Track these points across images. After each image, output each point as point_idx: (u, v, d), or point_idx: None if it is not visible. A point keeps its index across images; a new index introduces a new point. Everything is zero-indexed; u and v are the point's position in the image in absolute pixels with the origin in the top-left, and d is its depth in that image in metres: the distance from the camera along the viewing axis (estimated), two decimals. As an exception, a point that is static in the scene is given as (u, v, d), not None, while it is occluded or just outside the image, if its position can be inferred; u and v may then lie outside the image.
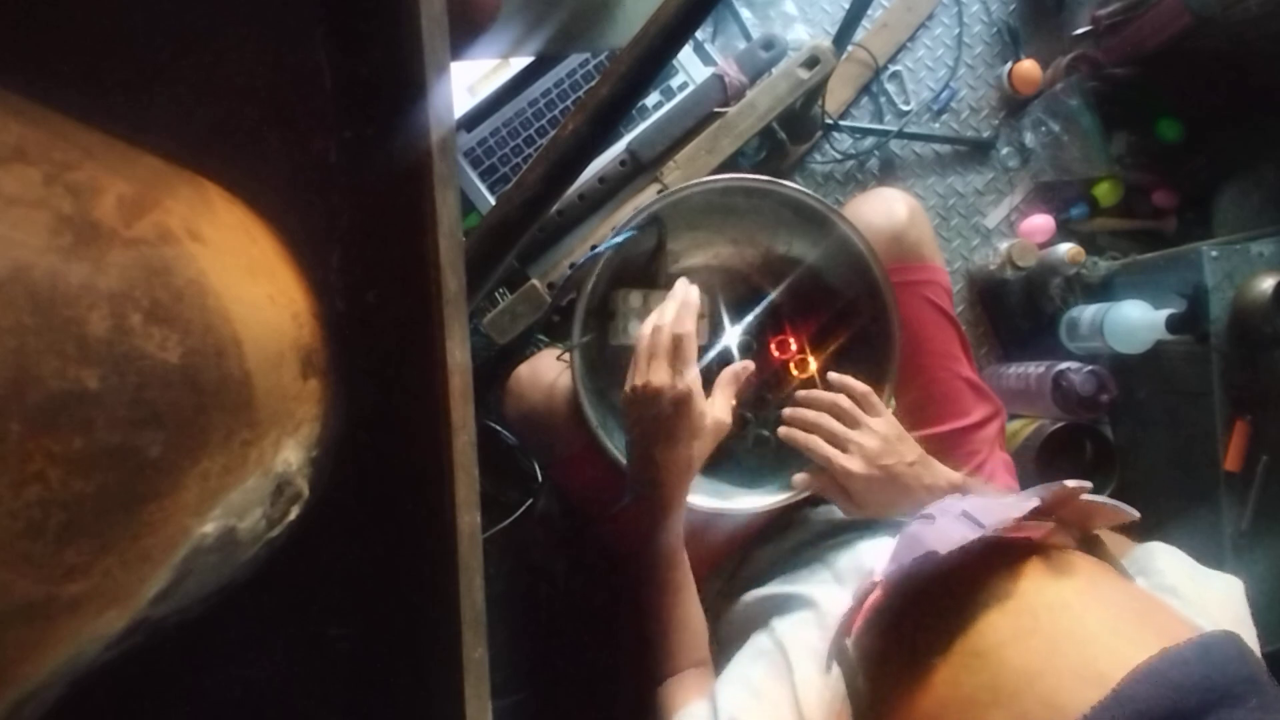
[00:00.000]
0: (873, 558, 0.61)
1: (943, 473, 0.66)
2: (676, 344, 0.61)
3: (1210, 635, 0.29)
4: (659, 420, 0.60)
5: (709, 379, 0.79)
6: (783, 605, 0.60)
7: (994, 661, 0.30)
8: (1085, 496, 0.37)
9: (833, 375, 0.69)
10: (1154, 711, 0.26)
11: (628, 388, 0.62)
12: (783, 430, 0.69)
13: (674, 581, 0.62)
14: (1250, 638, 0.44)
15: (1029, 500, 0.36)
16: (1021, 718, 0.28)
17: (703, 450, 0.62)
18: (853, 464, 0.64)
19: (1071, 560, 0.34)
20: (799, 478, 0.69)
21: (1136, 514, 0.38)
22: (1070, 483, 0.37)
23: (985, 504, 0.37)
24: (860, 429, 0.65)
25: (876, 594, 0.38)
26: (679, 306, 0.63)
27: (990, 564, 0.34)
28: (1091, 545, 0.42)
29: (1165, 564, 0.51)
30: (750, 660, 0.55)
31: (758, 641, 0.57)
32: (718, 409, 0.63)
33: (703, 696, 0.55)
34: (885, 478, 0.64)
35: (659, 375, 0.60)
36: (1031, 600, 0.32)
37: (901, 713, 0.33)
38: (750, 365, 0.67)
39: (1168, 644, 0.28)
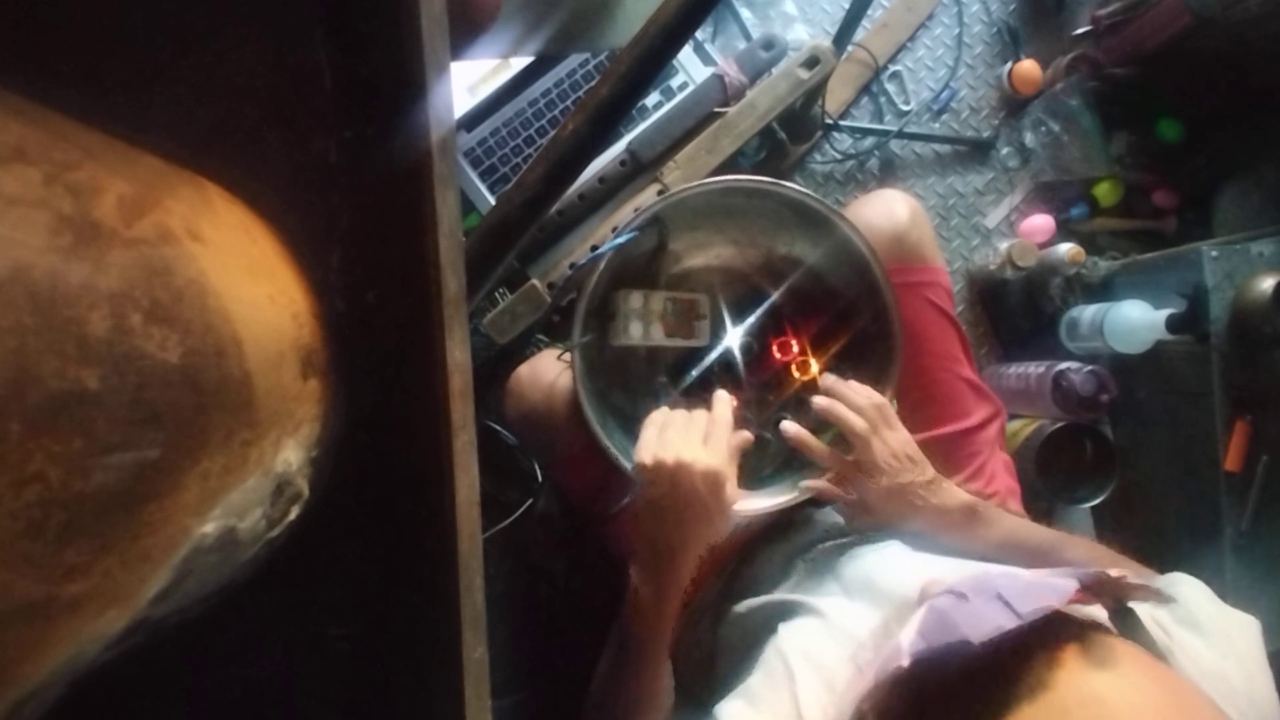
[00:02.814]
0: (883, 572, 0.60)
1: (953, 495, 0.65)
2: (711, 425, 0.59)
3: None
4: (689, 496, 0.57)
5: (710, 380, 0.79)
6: (789, 613, 0.59)
7: None
8: (1123, 583, 0.36)
9: (853, 385, 0.68)
10: None
11: (649, 457, 0.58)
12: (792, 431, 0.68)
13: (658, 660, 0.60)
14: (1267, 680, 0.44)
15: (1068, 582, 0.35)
16: None
17: (722, 533, 0.60)
18: (875, 475, 0.63)
19: (1108, 649, 0.33)
20: (809, 483, 0.68)
21: (1175, 599, 0.37)
22: (1114, 572, 0.36)
23: (1022, 587, 0.35)
24: (879, 440, 0.65)
25: (895, 676, 0.36)
26: (718, 422, 0.60)
27: (1023, 648, 0.32)
28: (1125, 616, 0.40)
29: (1188, 597, 0.50)
30: (751, 669, 0.55)
31: (759, 649, 0.56)
32: (733, 491, 0.59)
33: None
34: (901, 493, 0.63)
35: (690, 450, 0.57)
36: (1065, 695, 0.30)
37: None
38: (750, 437, 0.64)
39: None
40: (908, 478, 0.64)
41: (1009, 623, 0.32)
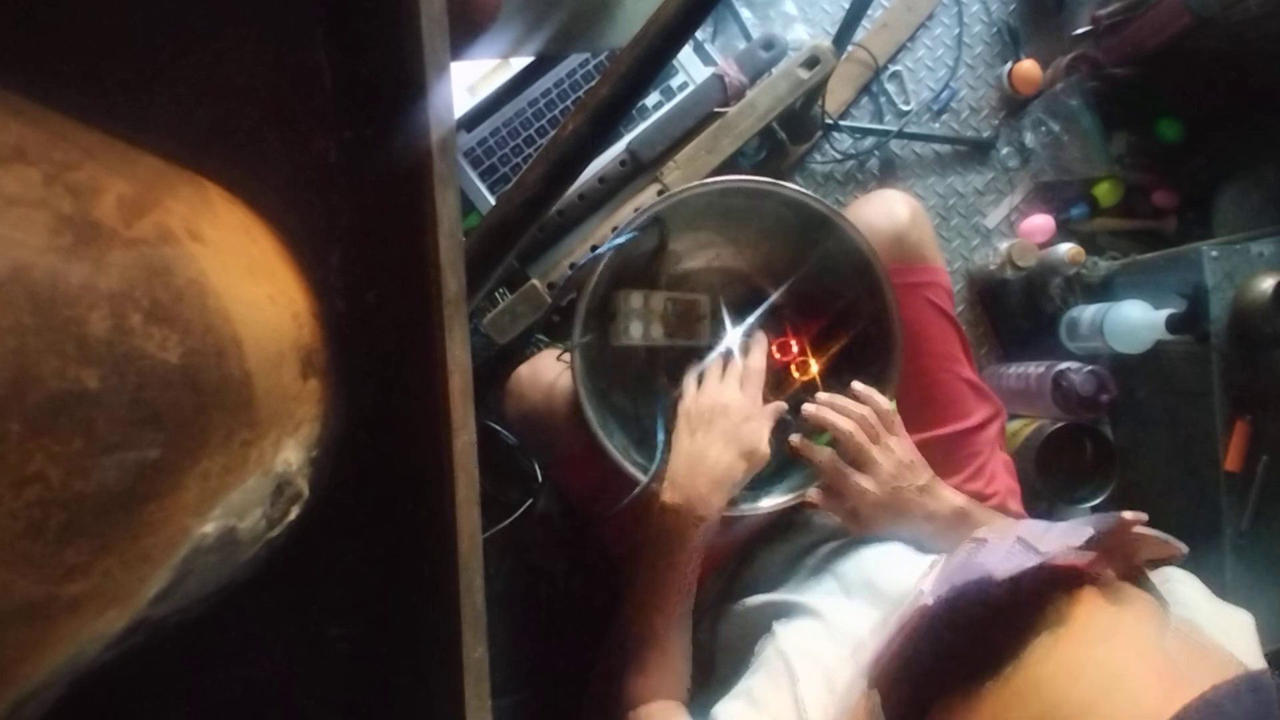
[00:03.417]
0: (883, 571, 0.60)
1: (948, 498, 0.65)
2: (752, 374, 0.66)
3: (1256, 673, 0.29)
4: (724, 432, 0.63)
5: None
6: (787, 613, 0.59)
7: (1047, 691, 0.30)
8: (1138, 529, 0.37)
9: (859, 386, 0.69)
10: None
11: (689, 401, 0.66)
12: (796, 440, 0.69)
13: (681, 603, 0.62)
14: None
15: (1083, 529, 0.35)
16: None
17: (747, 477, 0.64)
18: (867, 484, 0.64)
19: (1124, 590, 0.34)
20: (811, 492, 0.68)
21: (1185, 549, 0.38)
22: (1128, 514, 0.36)
23: (1039, 531, 0.36)
24: (880, 447, 0.65)
25: (920, 615, 0.38)
26: (755, 345, 0.70)
27: (1043, 587, 0.33)
28: (1134, 579, 0.41)
29: (1185, 593, 0.51)
30: (750, 671, 0.55)
31: (758, 649, 0.56)
32: (766, 441, 0.65)
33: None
34: (894, 501, 0.64)
35: (731, 394, 0.65)
36: (1086, 629, 0.31)
37: None
38: (784, 407, 0.69)
39: (1218, 680, 0.28)
40: (905, 483, 0.64)
41: (1030, 561, 0.33)
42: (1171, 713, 0.27)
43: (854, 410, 0.66)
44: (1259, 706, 0.27)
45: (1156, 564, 0.39)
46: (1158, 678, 0.29)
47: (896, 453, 0.65)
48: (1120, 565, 0.38)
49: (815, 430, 0.69)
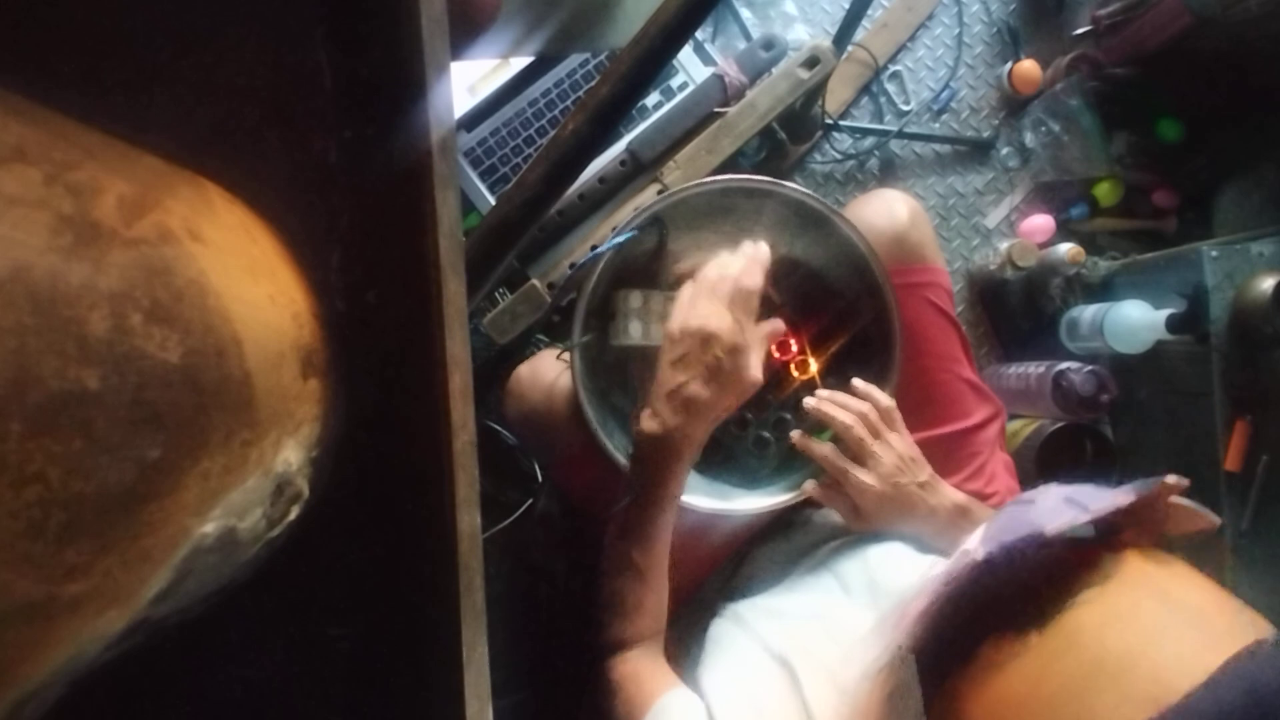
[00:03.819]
0: (884, 569, 0.60)
1: (948, 494, 0.66)
2: (743, 295, 0.60)
3: None
4: (708, 364, 0.58)
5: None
6: (788, 613, 0.59)
7: (1092, 641, 0.30)
8: (1175, 499, 0.37)
9: (859, 383, 0.69)
10: (1265, 682, 0.27)
11: (676, 325, 0.60)
12: (796, 437, 0.69)
13: (661, 538, 0.61)
14: None
15: (1128, 492, 0.36)
16: (1128, 693, 0.28)
17: (732, 406, 0.61)
18: (868, 479, 0.64)
19: (1165, 555, 0.35)
20: (808, 486, 0.68)
21: (1218, 520, 0.38)
22: (1171, 478, 0.37)
23: (1085, 491, 0.37)
24: (881, 443, 0.65)
25: (969, 569, 0.38)
26: (748, 260, 0.61)
27: (1091, 548, 0.34)
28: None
29: None
30: (751, 673, 0.54)
31: (755, 652, 0.56)
32: (756, 369, 0.61)
33: (675, 686, 0.54)
34: (896, 496, 0.64)
35: (719, 320, 0.58)
36: (1132, 584, 0.32)
37: (994, 697, 0.32)
38: (781, 325, 0.65)
39: (1263, 634, 0.29)
40: (906, 479, 0.64)
41: (1081, 517, 0.33)
42: (1217, 663, 0.27)
43: (854, 406, 0.66)
44: None
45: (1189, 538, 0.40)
46: (1200, 631, 0.30)
47: (898, 448, 0.65)
48: (1149, 539, 0.39)
49: (816, 427, 0.69)
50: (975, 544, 0.36)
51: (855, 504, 0.65)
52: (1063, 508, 0.35)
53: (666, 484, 0.60)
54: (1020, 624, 0.33)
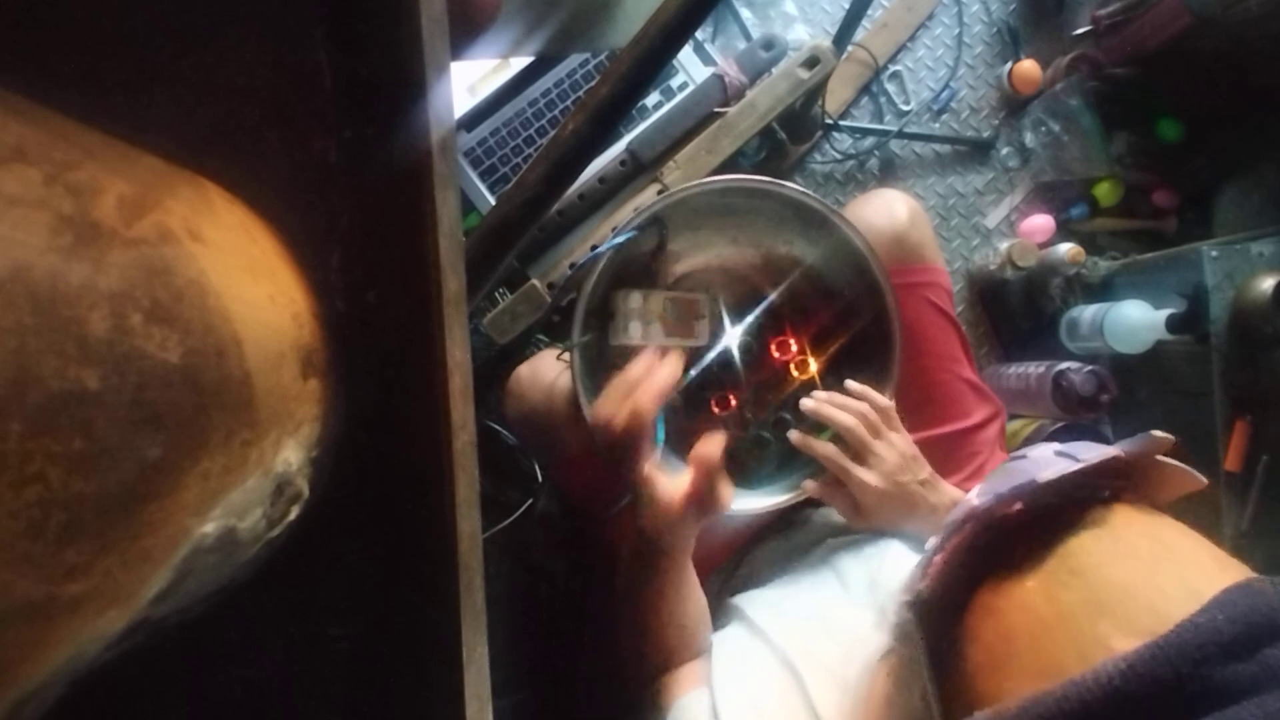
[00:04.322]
0: (884, 568, 0.60)
1: (949, 492, 0.66)
2: (632, 426, 0.53)
3: None
4: (612, 460, 0.56)
5: (710, 380, 0.79)
6: (788, 612, 0.59)
7: (1093, 578, 0.31)
8: (1160, 458, 0.38)
9: (853, 384, 0.69)
10: (1257, 609, 0.27)
11: (589, 416, 0.57)
12: (796, 437, 0.69)
13: (674, 577, 0.60)
14: None
15: (1117, 447, 0.37)
16: (1126, 623, 0.29)
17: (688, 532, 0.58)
18: (870, 477, 0.64)
19: (1154, 509, 0.36)
20: (808, 484, 0.69)
21: (1205, 480, 0.39)
22: (1158, 434, 0.37)
23: (1077, 445, 0.38)
24: (882, 441, 0.65)
25: (967, 515, 0.38)
26: (654, 381, 0.55)
27: (1083, 497, 0.35)
28: None
29: None
30: (753, 674, 0.54)
31: (760, 651, 0.56)
32: (638, 470, 0.55)
33: (702, 684, 0.54)
34: (897, 494, 0.64)
35: (610, 409, 0.54)
36: (1125, 528, 0.33)
37: (992, 634, 0.33)
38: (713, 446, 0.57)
39: (1250, 575, 0.30)
40: (907, 477, 0.64)
41: (1071, 466, 0.34)
42: (1213, 591, 0.28)
43: (853, 405, 0.66)
44: None
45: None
46: (1193, 568, 0.31)
47: (899, 446, 0.65)
48: (1142, 501, 0.39)
49: (816, 427, 0.69)
50: (972, 494, 0.37)
51: (856, 502, 0.65)
52: (1055, 460, 0.36)
53: (659, 579, 0.59)
54: (1018, 567, 0.33)
